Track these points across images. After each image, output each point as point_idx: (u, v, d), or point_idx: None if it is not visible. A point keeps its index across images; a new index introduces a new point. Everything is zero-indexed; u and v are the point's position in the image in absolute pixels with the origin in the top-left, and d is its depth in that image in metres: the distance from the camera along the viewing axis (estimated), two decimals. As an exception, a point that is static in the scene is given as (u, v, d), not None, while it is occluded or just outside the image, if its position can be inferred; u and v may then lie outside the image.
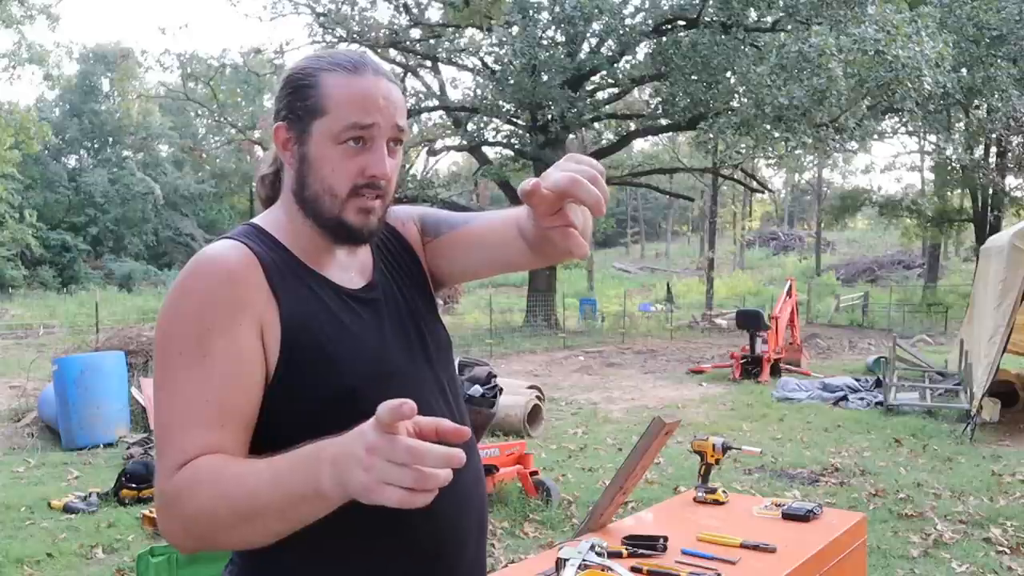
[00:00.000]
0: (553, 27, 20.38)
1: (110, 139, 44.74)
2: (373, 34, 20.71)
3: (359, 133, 1.14)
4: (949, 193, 30.82)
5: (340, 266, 1.23)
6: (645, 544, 2.01)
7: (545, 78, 19.11)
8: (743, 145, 18.74)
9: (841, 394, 10.06)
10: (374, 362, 1.17)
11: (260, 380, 1.10)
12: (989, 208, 26.24)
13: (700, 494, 2.49)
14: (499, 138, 23.24)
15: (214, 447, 1.04)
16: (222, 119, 25.63)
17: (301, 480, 0.94)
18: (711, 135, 17.62)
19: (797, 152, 18.94)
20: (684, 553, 1.99)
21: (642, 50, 20.86)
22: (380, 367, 1.17)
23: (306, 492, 0.94)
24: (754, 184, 29.33)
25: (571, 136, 23.41)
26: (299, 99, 1.16)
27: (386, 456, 0.85)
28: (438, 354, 1.29)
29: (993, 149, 24.45)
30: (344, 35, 20.52)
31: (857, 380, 10.76)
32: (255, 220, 1.24)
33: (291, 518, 0.97)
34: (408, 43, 21.95)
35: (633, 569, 1.85)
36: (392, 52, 22.34)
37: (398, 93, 1.19)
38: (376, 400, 1.18)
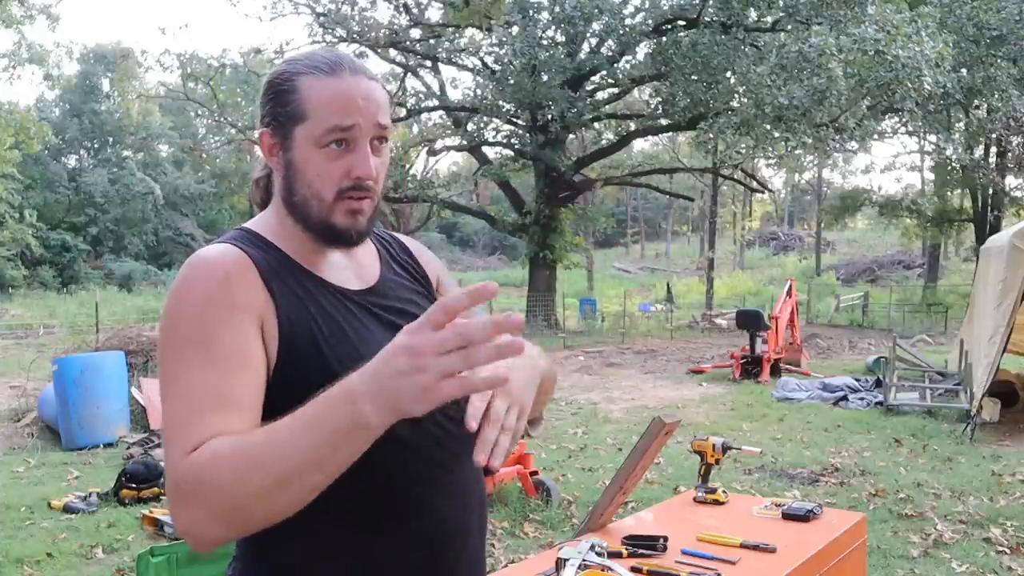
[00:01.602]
0: (553, 27, 20.40)
1: (110, 139, 44.76)
2: (373, 34, 20.73)
3: (340, 135, 1.13)
4: (949, 193, 30.81)
5: (335, 268, 1.23)
6: (645, 544, 2.01)
7: (545, 78, 19.12)
8: (743, 145, 18.74)
9: (841, 394, 10.06)
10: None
11: (263, 371, 1.09)
12: (989, 208, 26.24)
13: (700, 494, 2.49)
14: (499, 138, 23.26)
15: (224, 431, 1.01)
16: (222, 119, 25.59)
17: (338, 422, 0.92)
18: (711, 135, 17.62)
19: (797, 152, 18.94)
20: (684, 553, 1.98)
21: (642, 50, 20.88)
22: None
23: (346, 430, 0.92)
24: (754, 184, 29.34)
25: (571, 136, 23.44)
26: (280, 105, 1.16)
27: (437, 349, 0.87)
28: None
29: (993, 149, 24.45)
30: (344, 35, 20.54)
31: (857, 380, 10.75)
32: (247, 224, 1.23)
33: (330, 464, 0.94)
34: (408, 43, 21.96)
35: (633, 569, 1.85)
36: (392, 52, 22.37)
37: (379, 90, 1.18)
38: None
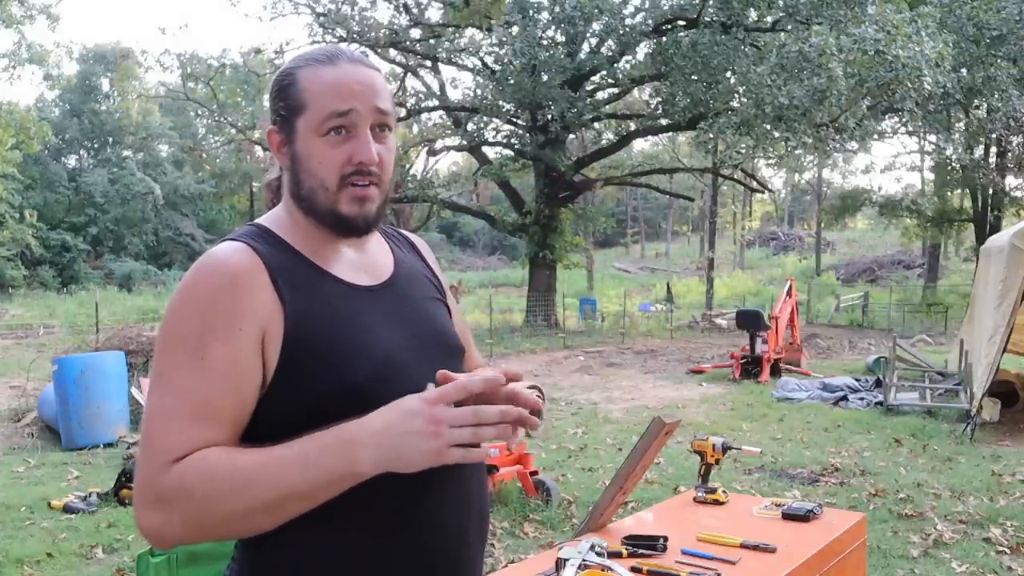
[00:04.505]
0: (553, 27, 20.39)
1: (110, 139, 44.74)
2: (373, 34, 20.71)
3: (339, 122, 1.14)
4: (949, 193, 30.81)
5: (348, 264, 1.22)
6: (645, 544, 2.01)
7: (545, 78, 19.11)
8: (743, 145, 18.73)
9: (841, 394, 10.06)
10: (381, 360, 1.16)
11: (255, 384, 1.10)
12: (989, 208, 26.24)
13: (700, 494, 2.49)
14: (499, 138, 23.25)
15: (208, 443, 1.04)
16: (222, 119, 25.60)
17: (334, 464, 1.00)
18: (711, 135, 17.61)
19: (797, 152, 18.93)
20: (684, 553, 1.98)
21: (642, 50, 20.87)
22: (387, 364, 1.16)
23: (341, 475, 1.01)
24: (754, 184, 29.32)
25: (571, 136, 23.43)
26: (282, 100, 1.18)
27: (454, 422, 1.00)
28: (448, 359, 1.28)
29: (993, 149, 24.45)
30: (344, 35, 20.52)
31: (857, 380, 10.76)
32: (259, 220, 1.23)
33: (319, 498, 1.03)
34: (408, 43, 21.95)
35: (633, 569, 1.85)
36: (392, 52, 22.35)
37: (377, 77, 1.19)
38: (382, 397, 1.18)
